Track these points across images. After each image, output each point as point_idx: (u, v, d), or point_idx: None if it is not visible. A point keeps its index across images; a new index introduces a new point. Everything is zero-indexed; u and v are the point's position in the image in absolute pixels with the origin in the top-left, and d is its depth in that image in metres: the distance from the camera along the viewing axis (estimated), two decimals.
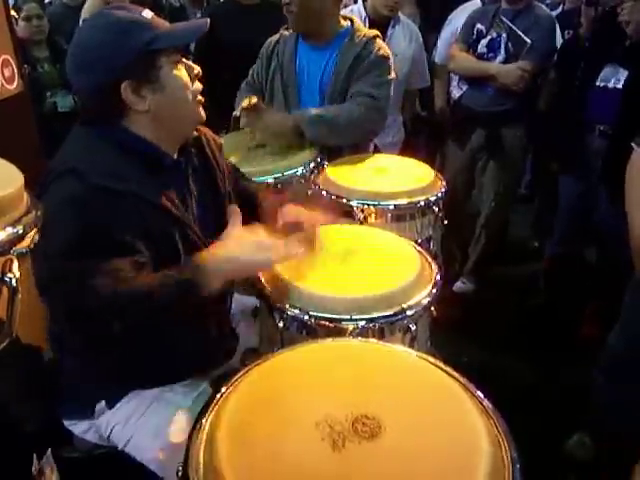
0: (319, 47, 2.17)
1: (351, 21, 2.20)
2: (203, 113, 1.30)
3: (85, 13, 3.13)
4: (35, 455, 1.06)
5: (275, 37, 2.27)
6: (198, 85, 1.28)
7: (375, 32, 2.19)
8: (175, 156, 1.29)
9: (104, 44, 1.15)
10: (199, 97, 1.28)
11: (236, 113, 2.09)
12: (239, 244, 1.19)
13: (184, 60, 1.25)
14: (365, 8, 2.84)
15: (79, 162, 1.15)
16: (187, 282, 1.10)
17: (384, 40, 2.71)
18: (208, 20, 1.27)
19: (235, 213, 1.30)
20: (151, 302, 1.09)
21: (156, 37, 1.17)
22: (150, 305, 1.10)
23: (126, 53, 1.15)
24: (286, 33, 2.24)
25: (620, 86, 2.31)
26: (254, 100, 2.03)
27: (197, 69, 1.27)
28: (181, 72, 1.23)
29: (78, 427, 1.36)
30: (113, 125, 1.21)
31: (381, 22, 2.77)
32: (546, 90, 3.01)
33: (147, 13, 1.21)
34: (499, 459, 0.85)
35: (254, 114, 2.04)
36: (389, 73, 2.13)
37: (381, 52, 2.12)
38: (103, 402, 1.30)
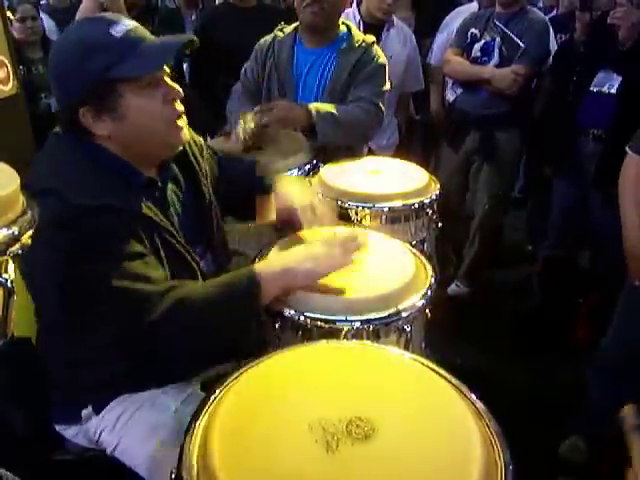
0: (317, 49, 2.18)
1: (347, 26, 2.22)
2: (184, 136, 1.22)
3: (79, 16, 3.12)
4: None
5: (269, 37, 2.27)
6: (178, 107, 1.19)
7: (372, 38, 2.22)
8: (153, 172, 1.26)
9: (65, 65, 1.12)
10: (178, 122, 1.20)
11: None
12: (293, 254, 1.21)
13: (163, 80, 1.17)
14: (359, 11, 2.85)
15: (57, 181, 1.11)
16: (244, 293, 1.11)
17: (378, 43, 2.73)
18: (185, 38, 1.19)
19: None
20: (207, 311, 1.09)
21: (116, 63, 1.09)
22: (205, 315, 1.09)
23: (82, 79, 1.10)
24: (281, 34, 2.25)
25: (614, 91, 2.33)
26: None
27: (177, 89, 1.18)
28: (147, 100, 1.14)
29: (68, 431, 1.35)
30: (86, 140, 1.17)
31: (375, 25, 2.78)
32: (541, 97, 3.02)
33: (121, 28, 1.11)
34: (491, 461, 0.86)
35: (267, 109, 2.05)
36: (386, 83, 2.19)
37: (380, 60, 2.17)
38: (90, 407, 1.28)
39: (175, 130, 1.20)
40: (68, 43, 1.14)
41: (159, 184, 1.26)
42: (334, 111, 2.05)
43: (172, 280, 1.16)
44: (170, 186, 1.31)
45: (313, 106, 2.05)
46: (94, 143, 1.18)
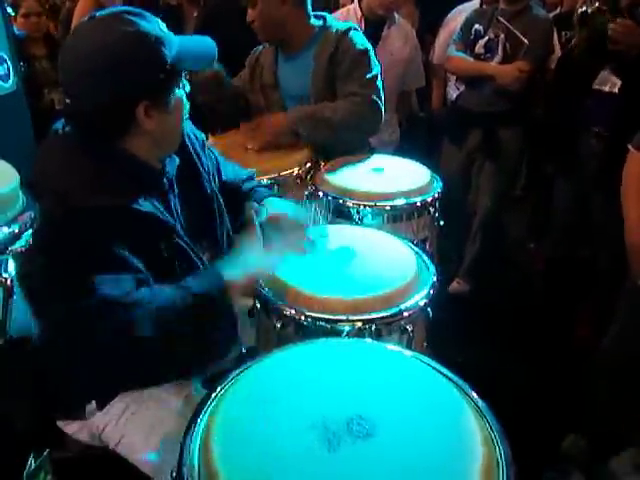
0: (296, 55, 2.15)
1: (323, 19, 2.14)
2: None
3: (78, 15, 3.13)
4: (32, 455, 1.06)
5: (259, 48, 2.29)
6: (187, 103, 1.25)
7: (349, 24, 2.12)
8: (159, 166, 1.26)
9: (134, 61, 1.08)
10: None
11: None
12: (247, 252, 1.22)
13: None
14: (361, 8, 2.84)
15: (60, 182, 1.10)
16: (215, 300, 1.12)
17: (379, 40, 2.72)
18: (215, 45, 1.24)
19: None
20: (168, 317, 1.08)
21: (179, 56, 1.13)
22: (166, 319, 1.08)
23: (151, 71, 1.10)
24: (268, 45, 2.25)
25: (616, 90, 2.32)
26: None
27: (187, 86, 1.23)
28: (182, 93, 1.20)
29: (70, 427, 1.35)
30: (102, 141, 1.15)
31: (377, 22, 2.77)
32: (543, 94, 3.01)
33: (163, 25, 1.15)
34: (492, 459, 0.86)
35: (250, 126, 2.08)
36: (373, 67, 2.06)
37: (358, 47, 2.04)
38: (93, 403, 1.29)
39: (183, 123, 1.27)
40: (131, 38, 1.08)
41: (168, 173, 1.27)
42: (316, 111, 2.02)
43: (145, 287, 1.13)
44: (174, 178, 1.32)
45: (293, 111, 2.06)
46: (112, 144, 1.16)
